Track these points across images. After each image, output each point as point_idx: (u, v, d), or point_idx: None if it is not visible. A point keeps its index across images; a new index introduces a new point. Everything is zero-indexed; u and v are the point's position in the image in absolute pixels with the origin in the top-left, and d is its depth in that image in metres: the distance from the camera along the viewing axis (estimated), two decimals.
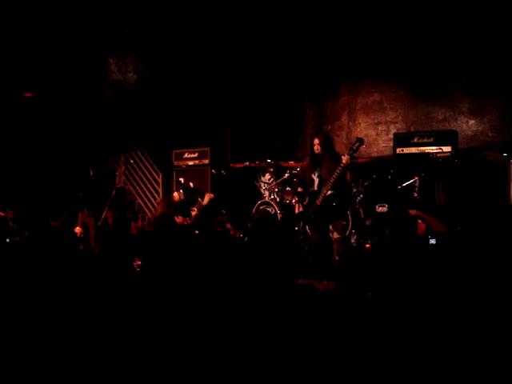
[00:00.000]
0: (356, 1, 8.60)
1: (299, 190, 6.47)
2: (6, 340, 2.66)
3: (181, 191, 7.53)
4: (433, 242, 4.03)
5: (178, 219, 7.21)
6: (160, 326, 2.81)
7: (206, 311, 2.91)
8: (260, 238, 4.94)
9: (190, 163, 9.14)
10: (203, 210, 7.21)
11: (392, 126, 8.61)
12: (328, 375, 2.48)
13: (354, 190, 7.09)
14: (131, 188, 9.75)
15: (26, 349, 2.61)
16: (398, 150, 7.69)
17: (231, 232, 7.83)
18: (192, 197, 7.43)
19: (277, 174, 8.02)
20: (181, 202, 7.47)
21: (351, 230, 6.74)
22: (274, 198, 7.88)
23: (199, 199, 7.26)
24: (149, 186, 9.61)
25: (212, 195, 7.38)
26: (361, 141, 5.94)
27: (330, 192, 5.95)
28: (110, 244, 6.91)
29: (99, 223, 7.64)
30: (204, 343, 2.67)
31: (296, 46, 9.15)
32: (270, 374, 2.50)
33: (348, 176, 6.15)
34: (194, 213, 7.28)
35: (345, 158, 5.82)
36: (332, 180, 5.88)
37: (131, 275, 3.81)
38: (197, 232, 6.84)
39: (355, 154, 5.99)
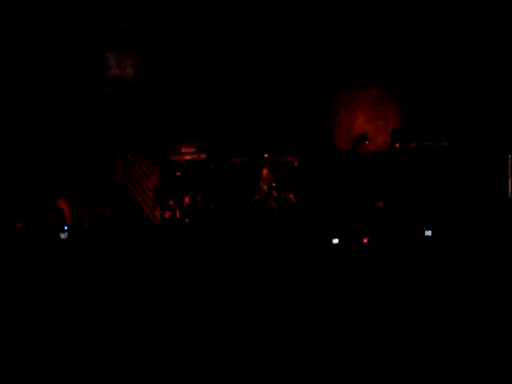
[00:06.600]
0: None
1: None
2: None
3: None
4: (428, 233, 3.98)
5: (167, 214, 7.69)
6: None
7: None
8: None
9: (188, 158, 9.10)
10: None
11: (390, 121, 8.57)
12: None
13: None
14: (129, 184, 9.70)
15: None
16: (396, 145, 7.66)
17: None
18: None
19: (275, 169, 8.00)
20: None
21: None
22: (271, 192, 7.86)
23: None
24: (145, 179, 9.55)
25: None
26: (361, 137, 5.87)
27: None
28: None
29: None
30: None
31: (293, 40, 9.09)
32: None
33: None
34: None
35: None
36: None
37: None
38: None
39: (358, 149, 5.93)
